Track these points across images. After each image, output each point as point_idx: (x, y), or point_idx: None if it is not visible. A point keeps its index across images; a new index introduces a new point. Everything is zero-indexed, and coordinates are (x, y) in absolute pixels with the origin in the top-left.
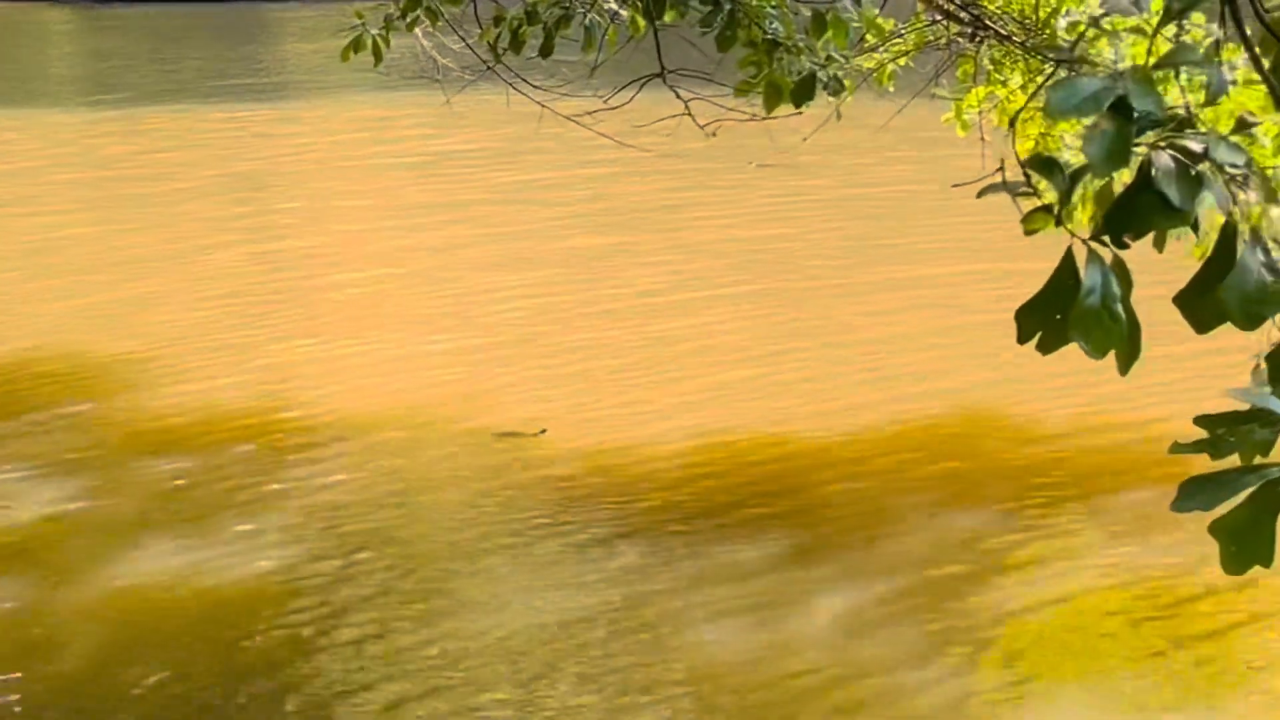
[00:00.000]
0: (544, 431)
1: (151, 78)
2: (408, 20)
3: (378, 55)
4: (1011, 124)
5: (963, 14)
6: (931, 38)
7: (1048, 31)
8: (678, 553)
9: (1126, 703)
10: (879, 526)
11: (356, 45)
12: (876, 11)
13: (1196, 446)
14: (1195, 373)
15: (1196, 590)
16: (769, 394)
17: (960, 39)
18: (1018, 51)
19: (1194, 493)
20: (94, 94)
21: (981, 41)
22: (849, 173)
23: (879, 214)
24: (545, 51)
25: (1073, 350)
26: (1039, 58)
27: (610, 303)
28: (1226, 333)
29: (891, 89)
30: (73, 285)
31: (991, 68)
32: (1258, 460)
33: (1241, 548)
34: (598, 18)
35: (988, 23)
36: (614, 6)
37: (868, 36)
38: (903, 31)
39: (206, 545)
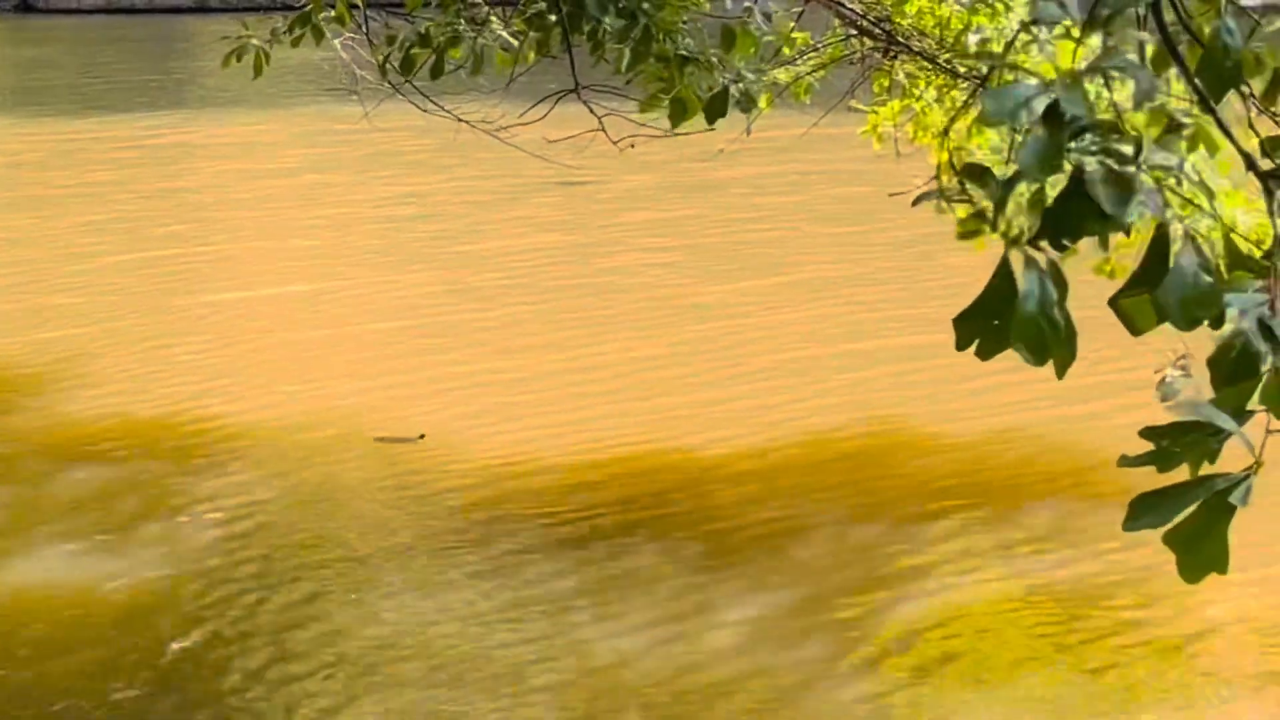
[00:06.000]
0: (423, 437)
1: (67, 89)
2: (293, 36)
3: (258, 68)
4: (945, 133)
5: (876, 29)
6: (846, 52)
7: (958, 47)
8: (579, 563)
9: (1032, 714)
10: (785, 538)
11: (239, 54)
12: (792, 25)
13: (1144, 459)
14: (1101, 384)
15: (1105, 603)
16: (672, 405)
17: (875, 53)
18: (930, 67)
19: (1144, 511)
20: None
21: (895, 56)
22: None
23: (783, 228)
24: (436, 73)
25: (982, 363)
26: (951, 73)
27: (510, 311)
28: (1129, 344)
29: (808, 101)
30: None
31: (907, 82)
32: (1204, 471)
33: (1197, 556)
34: (486, 42)
35: (900, 39)
36: (504, 35)
37: (784, 49)
38: (818, 45)
39: (111, 554)
